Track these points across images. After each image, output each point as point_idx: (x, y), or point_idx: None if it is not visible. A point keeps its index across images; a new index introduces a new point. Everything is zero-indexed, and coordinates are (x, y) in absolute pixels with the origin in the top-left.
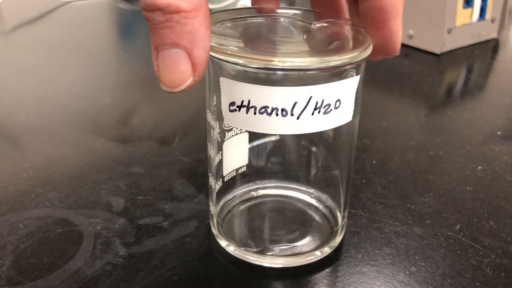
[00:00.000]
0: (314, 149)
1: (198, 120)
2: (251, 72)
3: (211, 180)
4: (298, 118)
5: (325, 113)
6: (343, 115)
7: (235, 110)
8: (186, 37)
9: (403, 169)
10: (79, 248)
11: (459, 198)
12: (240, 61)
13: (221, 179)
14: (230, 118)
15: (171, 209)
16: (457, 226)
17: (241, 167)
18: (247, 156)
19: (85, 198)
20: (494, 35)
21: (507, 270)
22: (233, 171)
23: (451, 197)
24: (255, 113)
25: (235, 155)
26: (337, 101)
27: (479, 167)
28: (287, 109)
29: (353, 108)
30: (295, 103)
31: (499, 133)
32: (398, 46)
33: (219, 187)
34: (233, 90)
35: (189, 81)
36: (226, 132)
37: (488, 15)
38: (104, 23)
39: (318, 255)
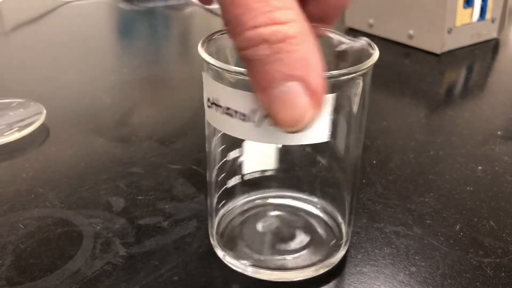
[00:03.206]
0: (318, 159)
1: (198, 120)
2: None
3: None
4: (259, 125)
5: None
6: (315, 134)
7: (210, 106)
8: (299, 66)
9: (403, 169)
10: (79, 248)
11: (459, 198)
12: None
13: (221, 188)
14: (208, 114)
15: (171, 209)
16: (457, 226)
17: (266, 170)
18: (274, 159)
19: (85, 198)
20: (494, 35)
21: (507, 270)
22: (255, 172)
23: (451, 197)
24: (222, 113)
25: (260, 155)
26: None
27: (479, 167)
28: (247, 115)
29: (328, 128)
30: (256, 109)
31: (499, 133)
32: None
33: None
34: (208, 87)
35: (311, 116)
36: None
37: (488, 15)
38: (104, 23)
39: (313, 270)
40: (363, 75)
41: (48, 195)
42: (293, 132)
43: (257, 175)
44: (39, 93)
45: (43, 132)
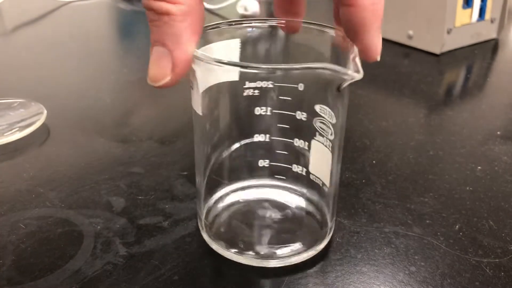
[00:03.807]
0: (302, 150)
1: None
2: None
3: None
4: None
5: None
6: (196, 105)
7: None
8: (170, 38)
9: (403, 169)
10: (79, 248)
11: (458, 198)
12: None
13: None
14: None
15: (171, 209)
16: (457, 226)
17: (324, 184)
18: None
19: (85, 198)
20: (493, 35)
21: (506, 270)
22: (317, 178)
23: (451, 197)
24: None
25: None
26: (193, 82)
27: (479, 167)
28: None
29: (200, 104)
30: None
31: (498, 133)
32: (375, 55)
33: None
34: None
35: (167, 79)
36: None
37: (487, 15)
38: (104, 23)
39: (304, 256)
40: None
41: (48, 195)
42: (156, 87)
43: (245, 165)
44: (39, 93)
45: (43, 132)
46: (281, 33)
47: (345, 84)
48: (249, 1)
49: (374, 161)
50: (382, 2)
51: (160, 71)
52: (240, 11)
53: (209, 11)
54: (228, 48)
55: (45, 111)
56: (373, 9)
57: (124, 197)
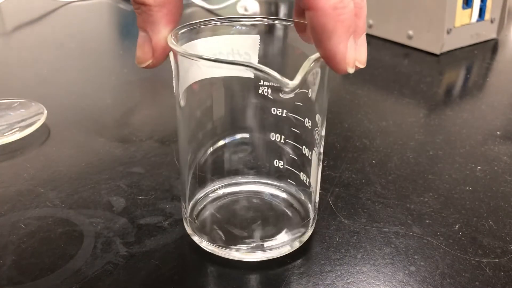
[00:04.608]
0: (281, 144)
1: None
2: None
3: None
4: None
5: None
6: (174, 85)
7: None
8: (149, 26)
9: (403, 169)
10: (79, 248)
11: (458, 198)
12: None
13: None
14: None
15: (172, 209)
16: (457, 226)
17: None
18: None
19: (86, 198)
20: (493, 35)
21: (506, 269)
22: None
23: (451, 197)
24: None
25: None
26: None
27: (478, 167)
28: None
29: (174, 85)
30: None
31: (498, 133)
32: (343, 66)
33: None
34: None
35: (148, 62)
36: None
37: (487, 16)
38: (104, 23)
39: (288, 248)
40: (322, 66)
41: (49, 195)
42: (143, 68)
43: (227, 162)
44: (40, 93)
45: (44, 132)
46: (279, 33)
47: (287, 89)
48: (249, 1)
49: (374, 161)
50: (350, 8)
51: (143, 55)
52: (240, 11)
53: (209, 11)
54: (247, 43)
55: (45, 111)
56: (335, 14)
57: (124, 197)
